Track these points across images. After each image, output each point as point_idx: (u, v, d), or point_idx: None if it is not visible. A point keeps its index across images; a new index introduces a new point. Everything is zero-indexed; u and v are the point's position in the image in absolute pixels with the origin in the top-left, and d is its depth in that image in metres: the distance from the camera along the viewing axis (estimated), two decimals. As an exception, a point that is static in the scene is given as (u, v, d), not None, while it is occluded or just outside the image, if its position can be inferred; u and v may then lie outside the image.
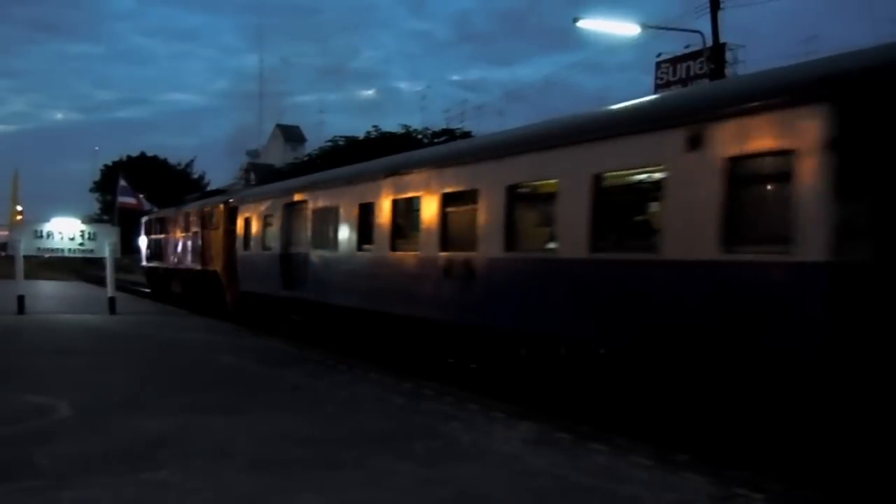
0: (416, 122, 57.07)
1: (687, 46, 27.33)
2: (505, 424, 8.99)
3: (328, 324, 16.72)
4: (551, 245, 10.39)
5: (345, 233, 15.81)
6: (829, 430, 6.87)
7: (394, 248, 14.03)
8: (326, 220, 16.63)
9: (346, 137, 47.10)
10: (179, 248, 29.29)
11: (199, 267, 26.39)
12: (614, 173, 9.50)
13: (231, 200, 23.69)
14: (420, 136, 43.02)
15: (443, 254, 12.50)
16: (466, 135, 37.02)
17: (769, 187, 7.91)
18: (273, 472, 6.85)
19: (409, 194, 13.73)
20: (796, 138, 7.14)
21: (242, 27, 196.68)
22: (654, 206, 8.99)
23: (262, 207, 20.48)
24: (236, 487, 6.43)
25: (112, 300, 24.00)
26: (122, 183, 32.76)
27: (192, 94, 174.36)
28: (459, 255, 12.06)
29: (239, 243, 22.01)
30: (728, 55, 26.19)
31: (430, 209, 12.93)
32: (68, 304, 27.11)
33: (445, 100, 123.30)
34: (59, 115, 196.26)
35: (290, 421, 9.00)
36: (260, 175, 59.47)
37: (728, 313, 7.70)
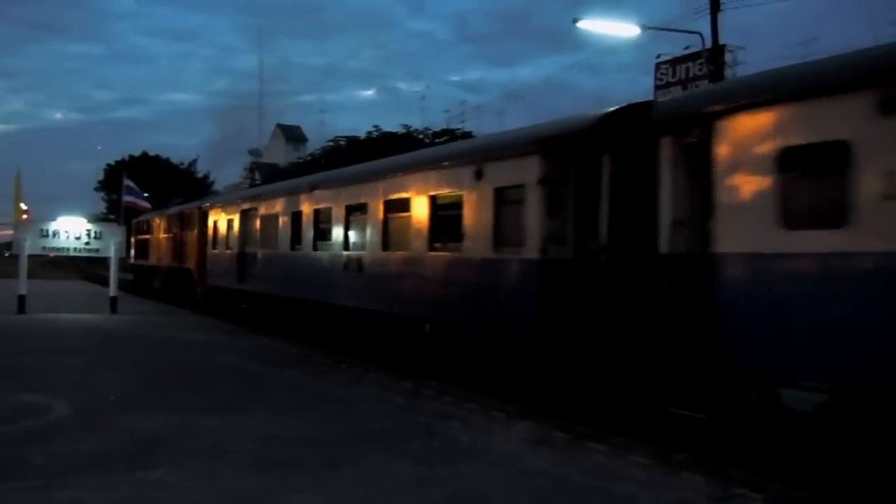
0: (416, 122, 57.14)
1: (687, 47, 27.28)
2: (504, 424, 8.96)
3: (271, 311, 19.85)
4: (410, 245, 13.72)
5: (282, 235, 19.18)
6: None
7: (315, 248, 17.50)
8: (270, 224, 20.04)
9: (347, 137, 47.13)
10: (160, 247, 32.59)
11: (176, 265, 29.19)
12: (440, 193, 13.07)
13: (202, 206, 26.38)
14: (421, 136, 42.99)
15: (345, 253, 15.98)
16: (467, 135, 36.96)
17: (515, 208, 11.06)
18: (270, 471, 6.83)
19: (324, 205, 17.15)
20: (525, 176, 10.78)
21: (241, 27, 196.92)
22: (460, 219, 12.28)
23: (226, 213, 23.80)
24: (233, 487, 6.41)
25: (114, 300, 24.02)
26: (128, 182, 32.78)
27: (192, 94, 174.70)
28: (355, 254, 15.60)
29: (209, 244, 25.28)
30: (728, 56, 26.15)
31: (338, 218, 16.42)
32: (70, 303, 27.10)
33: (445, 100, 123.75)
34: (59, 115, 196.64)
35: (289, 420, 8.98)
36: (265, 174, 59.49)
37: (494, 293, 11.47)
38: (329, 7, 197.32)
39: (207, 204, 26.25)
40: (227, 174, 75.46)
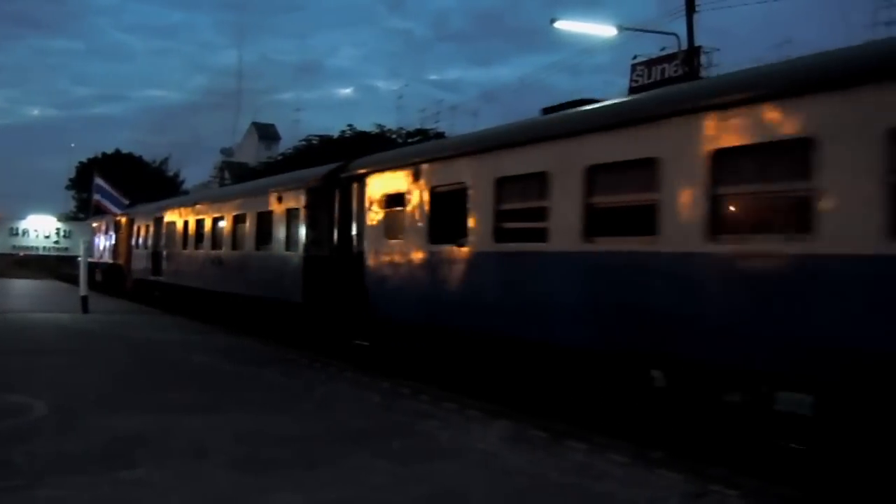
0: (392, 122, 57.01)
1: (663, 49, 27.49)
2: (482, 423, 9.04)
3: (175, 297, 25.57)
4: (244, 247, 20.31)
5: (178, 238, 25.74)
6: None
7: (197, 248, 23.82)
8: (171, 229, 26.59)
9: (319, 136, 46.89)
10: (102, 246, 38.78)
11: (112, 261, 35.57)
12: (260, 211, 19.26)
13: (129, 214, 32.60)
14: (394, 136, 42.86)
15: (213, 251, 22.26)
16: (440, 135, 36.94)
17: (295, 223, 17.11)
18: (250, 470, 6.84)
19: (201, 217, 23.61)
20: (299, 203, 16.90)
21: (221, 24, 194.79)
22: (270, 229, 18.72)
23: (145, 220, 30.12)
24: (214, 486, 6.42)
25: (84, 299, 23.79)
26: (98, 181, 32.51)
27: (170, 91, 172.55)
28: (218, 252, 21.83)
29: (135, 244, 31.66)
30: (703, 58, 26.40)
31: (209, 225, 22.94)
32: (40, 302, 26.80)
33: (422, 99, 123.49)
34: (36, 112, 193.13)
35: (267, 419, 9.00)
36: (234, 174, 59.09)
37: (282, 278, 17.50)
38: (310, 4, 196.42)
39: (132, 212, 32.45)
40: (199, 173, 74.84)
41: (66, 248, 24.96)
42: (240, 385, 11.59)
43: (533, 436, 8.42)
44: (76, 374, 12.10)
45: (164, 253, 26.87)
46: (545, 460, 7.41)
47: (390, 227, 13.81)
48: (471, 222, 11.56)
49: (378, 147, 26.07)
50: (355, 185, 15.11)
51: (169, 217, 26.70)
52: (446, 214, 12.11)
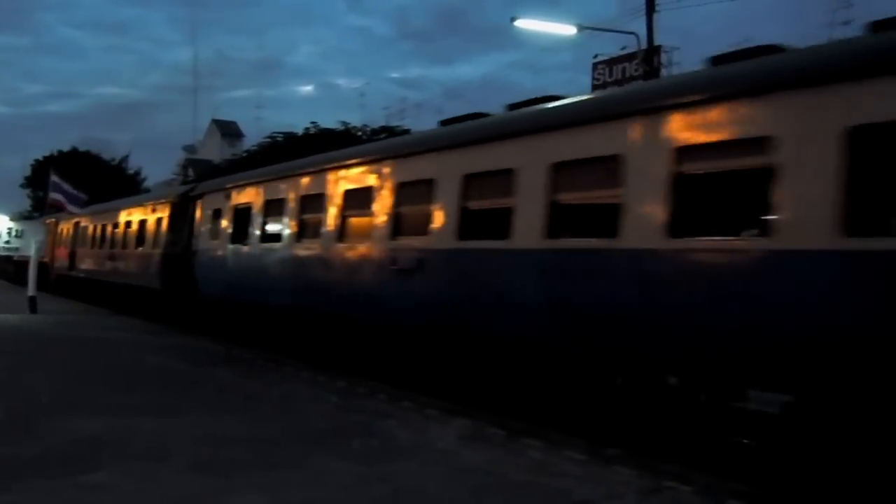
0: (355, 119, 56.76)
1: (623, 48, 27.82)
2: (439, 421, 9.15)
3: (91, 289, 29.77)
4: (130, 246, 26.02)
5: (87, 239, 31.43)
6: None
7: (101, 247, 29.22)
8: (83, 232, 32.36)
9: (284, 133, 46.60)
10: None
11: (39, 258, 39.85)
12: (145, 217, 24.95)
13: (56, 218, 36.60)
14: (360, 133, 42.71)
15: (111, 249, 27.79)
16: (406, 132, 36.96)
17: (158, 229, 23.08)
18: (212, 472, 6.86)
19: (101, 223, 29.36)
20: (164, 213, 22.63)
21: (176, 20, 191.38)
22: (149, 231, 24.41)
23: (67, 223, 34.83)
24: (176, 489, 6.43)
25: (33, 299, 23.41)
26: (55, 179, 32.05)
27: (125, 88, 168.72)
28: (113, 251, 27.52)
29: (57, 244, 36.55)
30: (664, 57, 26.71)
31: (107, 230, 28.52)
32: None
33: (385, 97, 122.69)
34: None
35: (226, 421, 8.99)
36: (199, 171, 58.45)
37: (149, 269, 23.65)
38: (266, 1, 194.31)
39: (58, 217, 36.15)
40: (161, 170, 73.89)
41: (17, 248, 24.98)
42: (196, 386, 11.56)
43: (491, 434, 8.54)
44: (29, 376, 11.90)
45: (78, 252, 32.70)
46: (503, 458, 7.53)
47: (212, 232, 19.07)
48: (255, 229, 16.78)
49: (344, 144, 26.24)
50: (196, 203, 20.34)
51: (83, 222, 32.39)
52: (243, 224, 17.37)
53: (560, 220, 9.21)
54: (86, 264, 31.15)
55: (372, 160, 13.25)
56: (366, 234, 12.75)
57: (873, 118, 6.45)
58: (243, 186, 17.91)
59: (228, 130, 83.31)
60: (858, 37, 7.34)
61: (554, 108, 10.15)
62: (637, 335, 8.20)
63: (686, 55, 28.65)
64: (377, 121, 45.52)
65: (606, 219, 8.48)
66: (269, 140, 47.31)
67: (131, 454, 7.38)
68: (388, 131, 40.25)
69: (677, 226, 7.79)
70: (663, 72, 25.90)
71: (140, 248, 24.27)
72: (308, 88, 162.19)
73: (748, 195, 7.40)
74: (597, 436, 8.38)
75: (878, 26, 7.01)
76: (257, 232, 16.57)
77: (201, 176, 47.28)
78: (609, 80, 28.93)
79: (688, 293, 7.72)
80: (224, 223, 18.27)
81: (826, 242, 6.60)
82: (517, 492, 6.63)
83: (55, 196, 31.74)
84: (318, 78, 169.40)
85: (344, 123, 44.30)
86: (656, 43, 25.61)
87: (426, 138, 13.01)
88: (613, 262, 8.47)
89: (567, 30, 24.26)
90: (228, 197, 18.23)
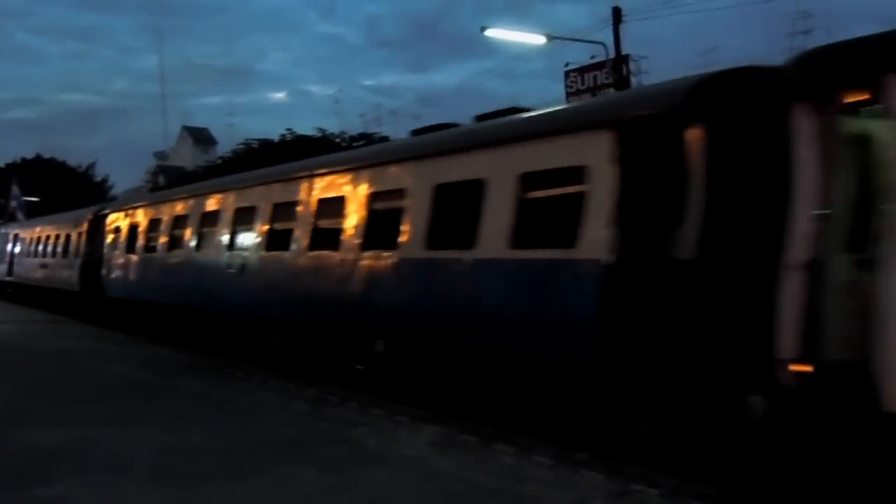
0: (329, 126, 56.56)
1: (592, 57, 28.08)
2: (410, 428, 9.07)
3: (24, 292, 33.81)
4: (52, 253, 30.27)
5: (25, 249, 35.37)
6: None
7: (35, 256, 32.87)
8: (22, 243, 36.16)
9: (259, 140, 46.36)
10: None
11: None
12: (56, 234, 30.28)
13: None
14: (338, 140, 42.53)
15: (43, 259, 31.47)
16: (384, 139, 36.85)
17: (85, 240, 26.93)
18: (176, 484, 6.73)
19: (37, 235, 32.95)
20: (82, 228, 26.88)
21: (142, 27, 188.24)
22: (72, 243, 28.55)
23: (10, 233, 39.11)
24: (139, 502, 6.31)
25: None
26: (14, 188, 31.87)
27: (90, 95, 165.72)
28: (44, 261, 31.14)
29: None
30: (633, 65, 27.05)
31: (40, 240, 32.03)
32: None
33: (359, 104, 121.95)
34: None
35: (191, 431, 8.83)
36: (170, 178, 57.93)
37: (67, 271, 28.21)
38: (234, 8, 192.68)
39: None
40: (130, 177, 73.00)
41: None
42: (161, 396, 11.34)
43: (462, 440, 8.47)
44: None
45: (15, 260, 36.89)
46: (474, 464, 7.46)
47: (114, 244, 23.41)
48: (141, 242, 21.22)
49: (322, 150, 26.21)
50: (105, 220, 24.62)
51: (20, 234, 37.01)
52: (133, 238, 21.68)
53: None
54: (21, 271, 35.83)
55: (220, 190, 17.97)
56: (210, 245, 17.32)
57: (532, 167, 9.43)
58: (135, 208, 22.52)
59: (201, 137, 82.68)
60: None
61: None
62: None
63: (654, 63, 29.03)
64: (353, 128, 45.41)
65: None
66: (243, 147, 47.05)
67: (92, 466, 7.22)
68: (367, 138, 40.09)
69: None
70: (633, 80, 26.21)
71: (65, 258, 28.61)
72: (280, 95, 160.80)
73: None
74: (566, 440, 8.34)
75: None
76: (142, 244, 21.16)
77: (172, 182, 46.88)
78: (582, 87, 29.22)
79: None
80: (122, 237, 22.74)
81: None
82: (488, 498, 6.57)
83: (13, 205, 31.89)
84: (291, 85, 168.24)
85: (321, 130, 44.15)
86: (624, 52, 26.10)
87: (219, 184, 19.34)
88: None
89: (536, 39, 24.36)
90: (126, 216, 22.96)
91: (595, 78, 28.83)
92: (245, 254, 15.53)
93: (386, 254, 11.51)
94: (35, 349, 16.62)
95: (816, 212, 6.54)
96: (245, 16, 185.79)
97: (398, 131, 37.99)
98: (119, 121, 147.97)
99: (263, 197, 15.39)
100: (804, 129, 6.64)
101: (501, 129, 10.64)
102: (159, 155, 79.92)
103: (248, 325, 15.46)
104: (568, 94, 29.48)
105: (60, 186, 56.46)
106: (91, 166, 70.75)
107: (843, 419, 6.57)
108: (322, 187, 13.55)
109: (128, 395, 11.25)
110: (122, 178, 74.40)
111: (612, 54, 25.24)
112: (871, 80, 6.34)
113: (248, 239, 15.65)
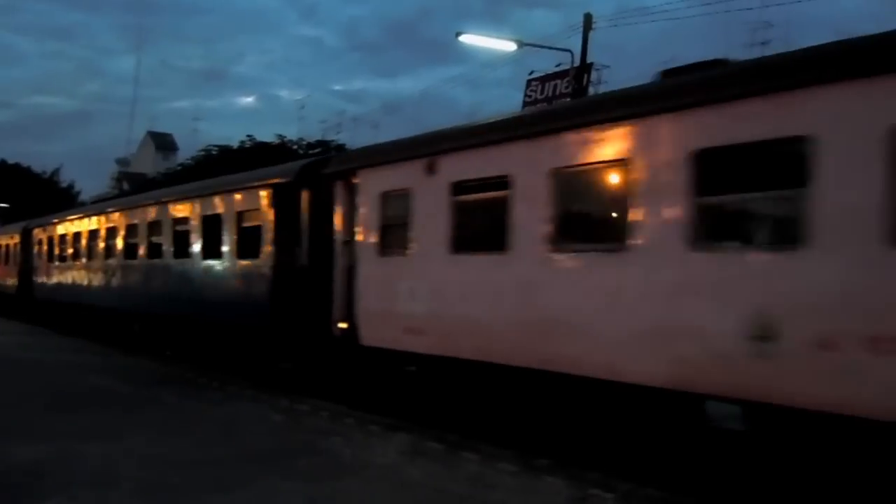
0: (292, 132, 56.66)
1: (558, 65, 28.13)
2: (381, 437, 9.50)
3: None
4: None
5: None
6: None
7: None
8: None
9: (219, 147, 46.30)
10: None
11: None
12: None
13: None
14: (295, 147, 42.69)
15: (4, 265, 34.73)
16: (341, 147, 37.08)
17: (21, 251, 32.13)
18: (161, 497, 6.99)
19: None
20: (15, 240, 32.60)
21: (122, 27, 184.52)
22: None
23: None
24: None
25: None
26: None
27: (61, 98, 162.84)
28: (6, 267, 33.75)
29: None
30: (594, 75, 27.34)
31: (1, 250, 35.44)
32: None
33: (325, 109, 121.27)
34: None
35: (172, 443, 9.10)
36: (133, 184, 57.59)
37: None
38: (217, 9, 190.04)
39: None
40: (95, 184, 72.27)
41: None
42: (139, 408, 11.60)
43: (429, 448, 8.91)
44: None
45: None
46: (442, 472, 7.90)
47: (39, 254, 28.87)
48: (56, 253, 27.13)
49: (280, 157, 26.38)
50: (32, 233, 29.71)
51: None
52: (52, 250, 27.41)
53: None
54: None
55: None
56: (94, 256, 23.44)
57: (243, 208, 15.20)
58: (50, 225, 28.10)
59: (163, 143, 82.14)
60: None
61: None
62: None
63: (617, 73, 29.32)
64: (314, 134, 45.56)
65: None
66: (203, 153, 46.97)
67: (77, 481, 7.39)
68: (324, 146, 40.33)
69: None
70: (591, 90, 26.47)
71: (6, 265, 33.57)
72: (249, 100, 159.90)
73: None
74: (527, 447, 8.80)
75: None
76: (57, 254, 26.93)
77: (135, 189, 46.68)
78: (540, 97, 29.17)
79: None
80: (44, 249, 28.52)
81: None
82: (458, 505, 6.97)
83: None
84: (261, 89, 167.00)
85: (280, 137, 44.28)
86: (590, 60, 26.27)
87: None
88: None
89: (508, 46, 24.76)
90: (44, 231, 28.59)
91: (556, 87, 28.79)
92: (113, 262, 21.73)
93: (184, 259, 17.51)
94: (14, 360, 16.77)
95: (345, 238, 12.47)
96: (227, 16, 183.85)
97: (356, 139, 38.34)
98: (84, 125, 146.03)
99: (119, 220, 21.59)
100: (339, 192, 12.69)
101: (224, 183, 16.83)
102: (121, 161, 79.24)
103: (122, 318, 21.13)
104: (525, 103, 29.46)
105: (27, 193, 55.88)
106: (56, 172, 69.96)
107: (354, 349, 11.89)
108: (140, 216, 20.16)
109: (108, 408, 11.47)
110: (89, 184, 73.58)
111: (577, 62, 25.48)
112: (354, 173, 12.42)
113: (113, 251, 21.76)
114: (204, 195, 16.72)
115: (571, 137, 8.83)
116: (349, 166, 12.60)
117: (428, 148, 10.93)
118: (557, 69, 28.44)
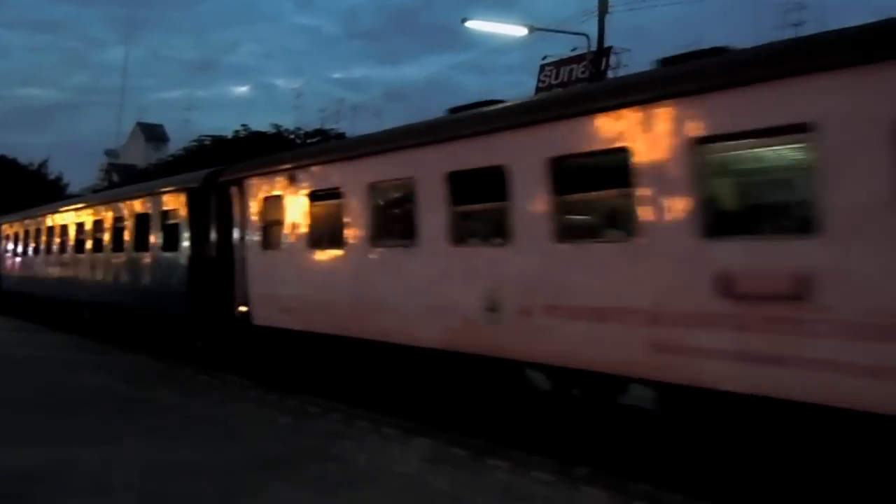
0: (288, 122, 55.74)
1: (573, 49, 27.27)
2: (399, 442, 8.87)
3: None
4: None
5: None
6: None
7: None
8: None
9: (212, 137, 45.37)
10: None
11: None
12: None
13: None
14: (293, 136, 41.80)
15: None
16: (341, 136, 36.31)
17: None
18: (164, 508, 6.43)
19: None
20: None
21: (112, 18, 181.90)
22: None
23: None
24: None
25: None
26: None
27: (48, 90, 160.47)
28: None
29: None
30: (613, 59, 26.47)
31: None
32: None
33: (324, 98, 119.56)
34: None
35: (173, 447, 8.52)
36: (123, 176, 56.70)
37: None
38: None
39: None
40: (84, 176, 71.17)
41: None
42: (138, 409, 11.00)
43: (453, 455, 8.29)
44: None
45: None
46: (469, 482, 7.28)
47: (5, 250, 30.52)
48: (20, 248, 28.99)
49: (276, 147, 25.46)
50: (1, 227, 31.36)
51: None
52: (15, 244, 29.51)
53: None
54: None
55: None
56: (52, 251, 25.25)
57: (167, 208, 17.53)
58: (16, 221, 30.02)
59: (153, 134, 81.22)
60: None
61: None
62: None
63: (637, 56, 28.34)
64: (312, 123, 44.62)
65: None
66: (195, 144, 46.08)
67: (72, 489, 6.89)
68: (323, 134, 39.50)
69: None
70: (610, 73, 25.55)
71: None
72: (243, 89, 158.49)
73: None
74: (564, 454, 8.20)
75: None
76: (21, 250, 29.06)
77: (125, 181, 45.83)
78: (554, 82, 28.22)
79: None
80: (10, 244, 30.57)
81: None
82: (488, 518, 6.40)
83: None
84: (256, 78, 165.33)
85: (276, 126, 43.33)
86: (608, 44, 25.09)
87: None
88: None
89: (518, 31, 23.92)
90: (11, 227, 30.55)
91: (571, 71, 27.88)
92: (66, 256, 23.88)
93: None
94: (5, 358, 16.18)
95: (240, 234, 14.49)
96: (221, 6, 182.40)
97: (357, 128, 37.50)
98: (72, 117, 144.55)
99: (71, 218, 23.78)
100: (234, 196, 14.75)
101: (152, 186, 19.69)
102: (110, 153, 78.31)
103: (75, 307, 23.01)
104: (538, 89, 28.52)
105: (12, 185, 54.92)
106: (43, 164, 68.87)
107: (250, 328, 14.04)
108: (87, 214, 22.52)
109: (103, 409, 10.83)
110: (78, 176, 72.62)
111: (594, 46, 24.54)
112: (245, 180, 14.51)
113: (66, 246, 23.96)
114: (138, 197, 19.53)
115: (381, 158, 11.49)
116: (240, 175, 14.81)
117: (291, 163, 13.53)
118: (573, 53, 27.63)
